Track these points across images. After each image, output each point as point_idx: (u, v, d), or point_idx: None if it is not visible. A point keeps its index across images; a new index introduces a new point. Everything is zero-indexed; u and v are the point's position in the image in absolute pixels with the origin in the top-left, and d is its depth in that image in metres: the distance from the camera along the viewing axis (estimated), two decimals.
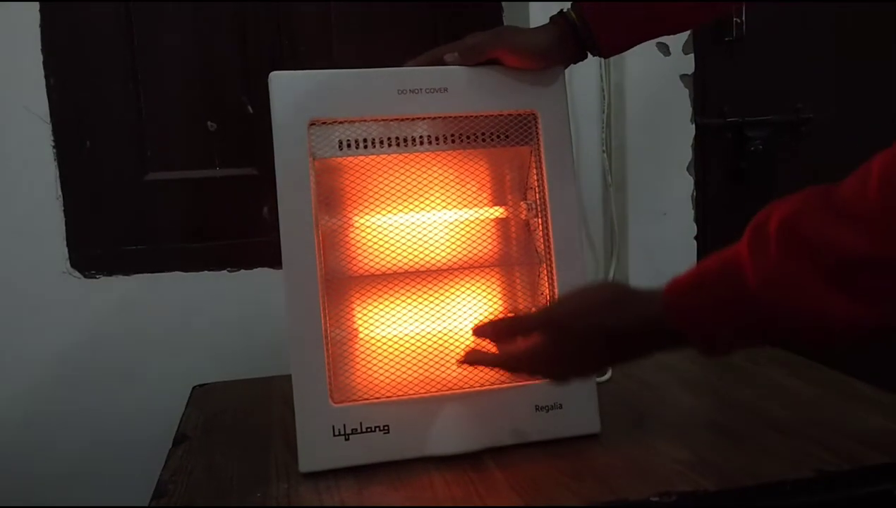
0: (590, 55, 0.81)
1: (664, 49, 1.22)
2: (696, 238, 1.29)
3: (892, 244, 0.48)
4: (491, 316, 0.77)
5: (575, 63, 0.82)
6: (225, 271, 1.21)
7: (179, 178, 1.21)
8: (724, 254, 0.56)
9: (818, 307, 0.51)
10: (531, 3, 1.20)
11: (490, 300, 0.82)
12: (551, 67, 0.81)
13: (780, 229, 0.52)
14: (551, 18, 0.80)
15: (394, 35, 1.28)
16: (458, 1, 1.29)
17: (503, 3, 1.31)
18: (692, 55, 1.25)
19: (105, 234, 1.18)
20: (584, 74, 1.23)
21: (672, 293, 0.59)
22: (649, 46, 1.21)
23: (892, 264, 0.48)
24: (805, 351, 0.64)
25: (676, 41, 1.23)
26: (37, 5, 1.11)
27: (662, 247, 1.26)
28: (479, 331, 0.71)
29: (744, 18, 1.32)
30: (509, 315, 0.72)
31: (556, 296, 0.78)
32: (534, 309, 0.81)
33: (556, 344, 0.65)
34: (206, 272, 1.20)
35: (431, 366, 0.78)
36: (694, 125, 1.27)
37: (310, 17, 1.24)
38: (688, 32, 1.23)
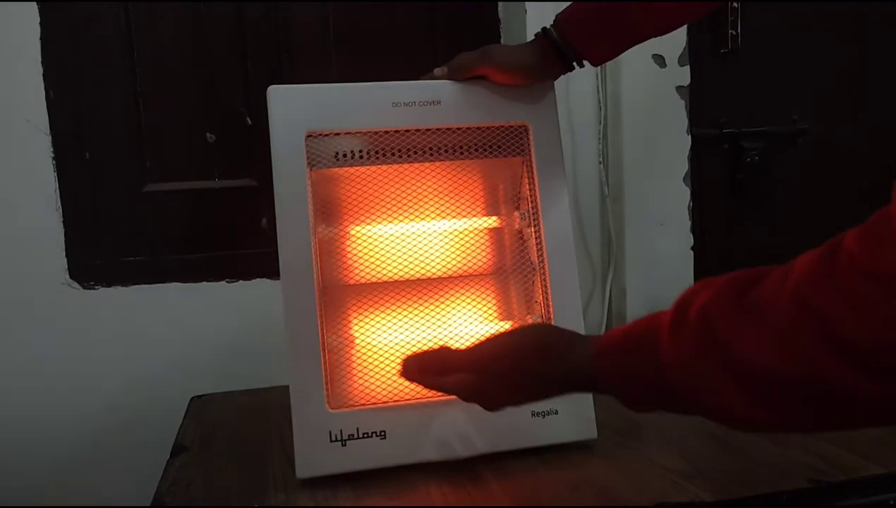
0: (577, 66, 0.81)
1: (660, 61, 1.23)
2: (693, 248, 1.29)
3: (795, 365, 0.46)
4: (430, 346, 0.77)
5: (564, 74, 0.83)
6: (223, 282, 1.21)
7: (178, 189, 1.22)
8: (652, 321, 0.57)
9: (720, 404, 0.51)
10: (528, 3, 1.21)
11: (484, 308, 0.82)
12: (538, 83, 0.82)
13: (698, 317, 0.51)
14: (535, 35, 0.82)
15: (392, 47, 1.29)
16: (455, 1, 1.30)
17: (500, 4, 1.32)
18: (688, 67, 1.25)
19: (104, 245, 1.18)
20: (581, 86, 1.24)
21: (600, 351, 0.60)
22: (645, 58, 1.22)
23: (793, 380, 0.47)
24: None
25: (672, 53, 1.24)
26: (37, 18, 1.12)
27: (659, 257, 1.27)
28: (406, 370, 0.70)
29: (739, 30, 1.33)
30: (438, 347, 0.72)
31: (491, 335, 0.78)
32: (529, 318, 0.82)
33: (482, 384, 0.66)
34: (204, 282, 1.21)
35: None
36: (690, 136, 1.27)
37: (308, 31, 1.25)
38: (684, 44, 1.24)
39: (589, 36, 0.79)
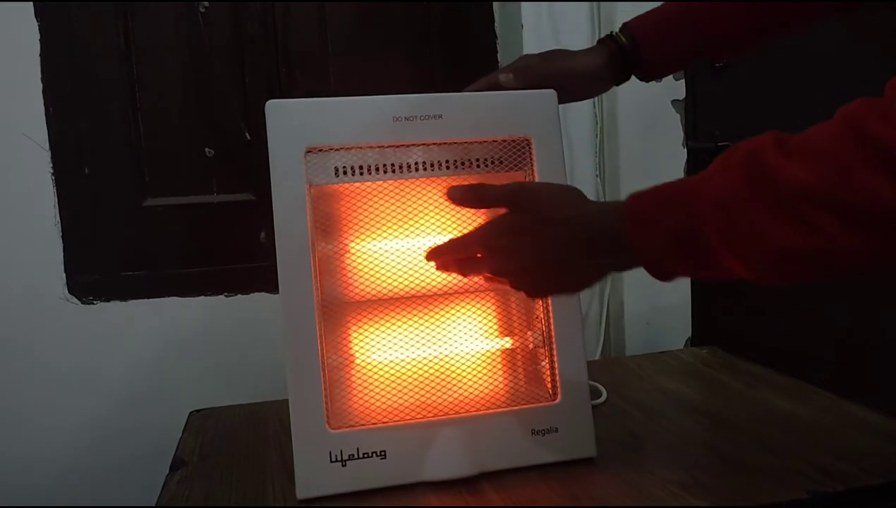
0: (634, 76, 0.84)
1: None
2: None
3: (835, 178, 0.50)
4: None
5: (618, 85, 0.85)
6: (222, 296, 1.22)
7: (177, 204, 1.22)
8: (687, 177, 0.59)
9: (758, 230, 0.53)
10: (523, 4, 1.22)
11: (486, 324, 0.83)
12: (601, 91, 0.85)
13: (744, 158, 0.54)
14: (599, 40, 0.84)
15: (391, 60, 1.30)
16: (450, 1, 1.31)
17: (494, 4, 1.33)
18: (683, 81, 1.26)
19: (103, 260, 1.18)
20: None
21: (634, 197, 0.61)
22: None
23: (834, 199, 0.50)
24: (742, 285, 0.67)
25: None
26: (38, 35, 1.13)
27: None
28: (452, 194, 0.72)
29: None
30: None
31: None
32: (529, 334, 0.82)
33: (520, 220, 0.66)
34: (203, 297, 1.21)
35: (428, 391, 0.78)
36: (686, 149, 1.28)
37: (307, 45, 1.26)
38: None
39: (658, 44, 0.81)
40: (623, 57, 0.82)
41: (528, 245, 0.66)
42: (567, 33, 1.24)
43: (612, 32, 0.83)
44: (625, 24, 0.83)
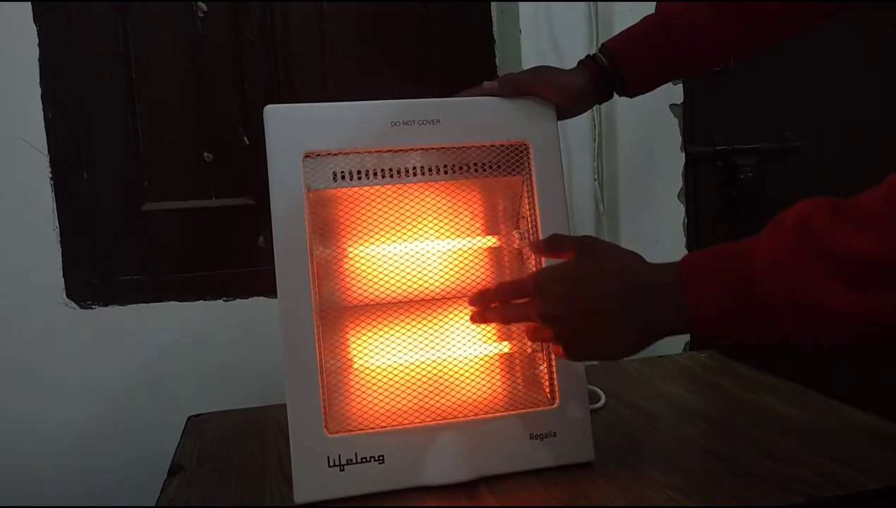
0: (616, 94, 0.85)
1: None
2: None
3: (888, 245, 0.50)
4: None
5: (604, 102, 0.87)
6: (221, 300, 1.22)
7: (176, 208, 1.22)
8: (742, 240, 0.60)
9: (812, 291, 0.53)
10: (521, 4, 1.23)
11: (484, 328, 0.82)
12: (584, 109, 0.86)
13: (794, 221, 0.55)
14: (580, 62, 0.85)
15: (389, 65, 1.30)
16: (448, 1, 1.31)
17: (493, 9, 1.33)
18: (681, 85, 1.27)
19: (101, 264, 1.18)
20: None
21: (689, 259, 0.62)
22: None
23: (889, 262, 0.50)
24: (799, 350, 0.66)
25: None
26: (36, 39, 1.13)
27: None
28: (534, 246, 0.75)
29: None
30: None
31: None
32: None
33: (582, 266, 0.67)
34: (201, 301, 1.21)
35: (426, 395, 0.78)
36: (684, 153, 1.28)
37: (305, 50, 1.26)
38: None
39: (637, 64, 0.82)
40: (604, 77, 0.83)
41: (582, 292, 0.65)
42: (565, 39, 1.24)
43: (591, 54, 0.84)
44: (603, 45, 0.84)
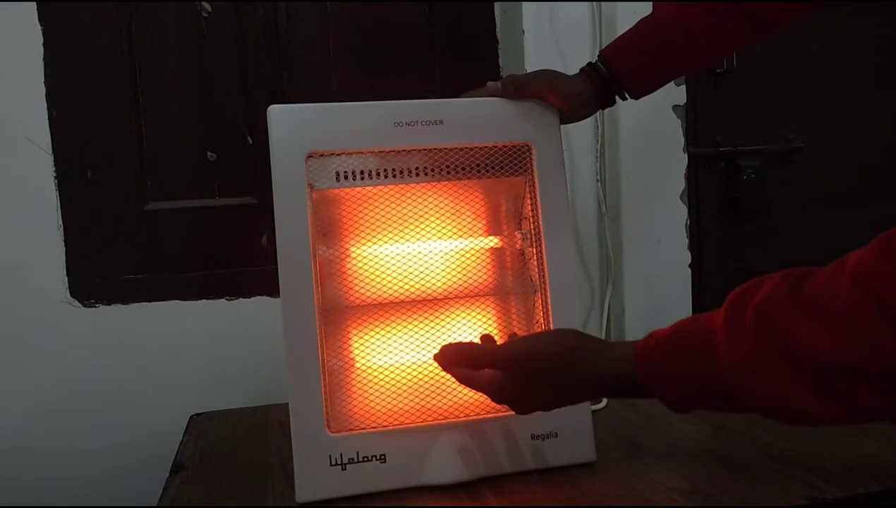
0: (619, 99, 0.86)
1: None
2: (691, 266, 1.30)
3: (856, 348, 0.47)
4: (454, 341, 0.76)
5: (607, 107, 0.88)
6: (224, 299, 1.22)
7: (179, 208, 1.22)
8: (700, 322, 0.57)
9: (782, 397, 0.52)
10: (524, 5, 1.23)
11: (485, 328, 0.83)
12: (586, 116, 0.87)
13: (754, 314, 0.52)
14: (581, 70, 0.85)
15: (392, 66, 1.30)
16: (451, 3, 1.31)
17: (496, 9, 1.33)
18: (684, 86, 1.27)
19: (105, 263, 1.19)
20: None
21: (642, 352, 0.61)
22: None
23: (856, 368, 0.48)
24: None
25: None
26: (41, 39, 1.14)
27: (657, 275, 1.28)
28: (441, 358, 0.72)
29: None
30: (472, 342, 0.74)
31: (527, 333, 0.81)
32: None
33: (512, 386, 0.67)
34: (204, 300, 1.21)
35: (428, 395, 0.78)
36: (687, 155, 1.28)
37: (309, 51, 1.26)
38: None
39: (635, 70, 0.83)
40: (604, 84, 0.84)
41: (533, 393, 0.67)
42: (568, 40, 1.24)
43: (590, 62, 0.85)
44: (601, 53, 0.84)
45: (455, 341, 0.74)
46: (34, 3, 1.13)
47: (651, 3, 0.85)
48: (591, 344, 0.66)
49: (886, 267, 0.46)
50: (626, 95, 0.85)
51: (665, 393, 0.60)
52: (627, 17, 1.20)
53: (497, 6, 1.33)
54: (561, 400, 0.68)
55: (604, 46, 0.88)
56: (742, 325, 0.53)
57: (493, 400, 0.69)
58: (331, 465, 0.74)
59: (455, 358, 0.71)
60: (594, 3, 1.24)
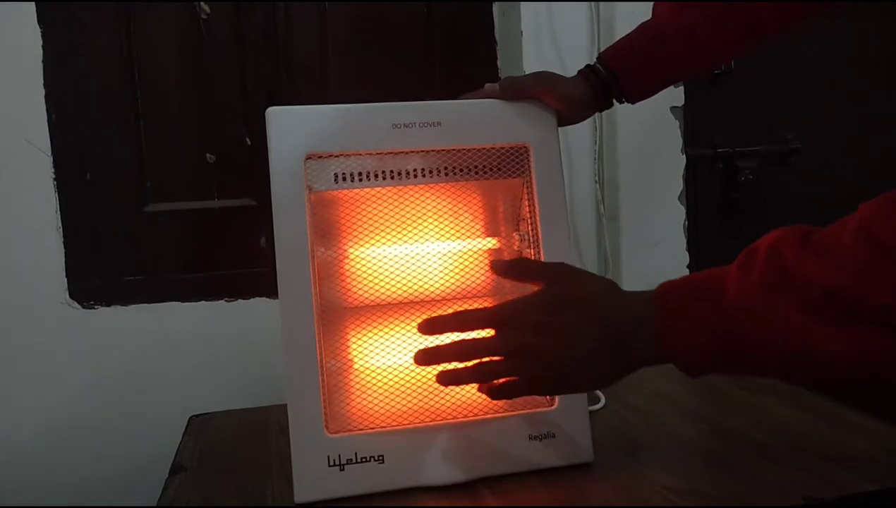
0: (617, 102, 0.86)
1: None
2: (689, 267, 1.30)
3: (862, 281, 0.50)
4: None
5: (605, 110, 0.87)
6: (223, 301, 1.22)
7: (178, 209, 1.23)
8: (715, 269, 0.59)
9: (789, 330, 0.53)
10: (522, 6, 1.23)
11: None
12: (584, 118, 0.86)
13: (765, 254, 0.55)
14: (580, 72, 0.85)
15: (391, 67, 1.31)
16: (451, 1, 1.32)
17: (494, 11, 1.34)
18: (682, 87, 1.27)
19: (104, 265, 1.19)
20: None
21: (660, 292, 0.62)
22: None
23: (862, 299, 0.50)
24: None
25: None
26: (40, 41, 1.14)
27: (656, 276, 1.25)
28: (496, 266, 0.71)
29: None
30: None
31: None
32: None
33: (553, 296, 0.64)
34: (203, 302, 1.21)
35: (426, 396, 0.78)
36: (685, 156, 1.29)
37: (307, 52, 1.27)
38: None
39: (635, 73, 0.83)
40: (604, 88, 0.84)
41: (553, 324, 0.63)
42: (566, 41, 1.24)
43: (589, 64, 0.85)
44: (601, 56, 0.84)
45: (449, 342, 0.71)
46: (33, 5, 1.13)
47: (650, 6, 0.85)
48: (622, 292, 0.66)
49: (888, 218, 0.50)
50: (624, 99, 0.85)
51: (677, 344, 0.59)
52: (626, 19, 1.21)
53: (495, 7, 1.34)
54: (570, 339, 0.63)
55: (602, 48, 0.89)
56: (753, 264, 0.55)
57: (510, 349, 0.65)
58: (329, 466, 0.74)
59: (510, 267, 0.71)
60: (592, 2, 1.24)
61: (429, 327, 0.69)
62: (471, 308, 0.71)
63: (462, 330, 0.68)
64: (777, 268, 0.54)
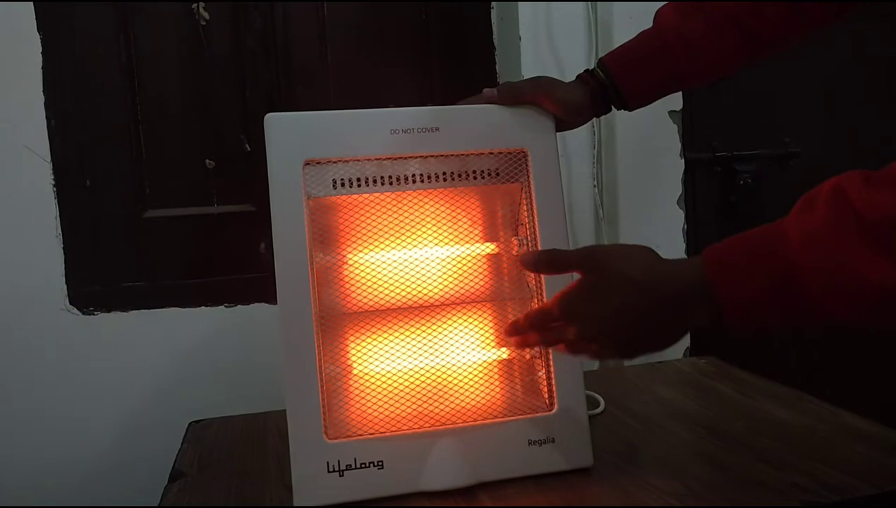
0: (615, 108, 0.85)
1: None
2: None
3: None
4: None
5: (602, 115, 0.87)
6: (222, 306, 1.22)
7: (178, 215, 1.23)
8: (771, 223, 0.58)
9: (855, 265, 0.52)
10: (520, 4, 1.23)
11: (483, 334, 0.83)
12: (581, 123, 0.86)
13: (827, 197, 0.54)
14: (578, 77, 0.85)
15: (390, 73, 1.31)
16: (449, 2, 1.32)
17: (492, 16, 1.34)
18: (680, 91, 1.27)
19: (104, 271, 1.19)
20: None
21: (712, 252, 0.61)
22: None
23: None
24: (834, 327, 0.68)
25: None
26: (40, 48, 1.14)
27: None
28: (525, 260, 0.73)
29: None
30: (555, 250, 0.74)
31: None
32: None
33: (597, 282, 0.65)
34: (203, 307, 1.22)
35: (425, 401, 0.79)
36: (683, 160, 1.29)
37: (306, 58, 1.27)
38: None
39: (635, 80, 0.83)
40: (603, 93, 0.84)
41: (608, 305, 0.64)
42: (564, 46, 1.24)
43: (589, 69, 0.85)
44: (601, 60, 0.84)
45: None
46: (33, 13, 1.14)
47: (649, 11, 0.85)
48: (662, 259, 0.66)
49: None
50: (622, 105, 0.85)
51: (734, 295, 0.58)
52: (624, 24, 1.21)
53: (494, 13, 1.34)
54: (642, 311, 0.64)
55: (600, 53, 0.89)
56: (815, 207, 0.54)
57: (578, 335, 0.67)
58: (328, 472, 0.74)
59: (539, 260, 0.72)
60: (590, 2, 1.24)
61: (511, 331, 0.74)
62: (536, 310, 0.73)
63: (537, 329, 0.71)
64: (843, 206, 0.52)
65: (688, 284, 0.61)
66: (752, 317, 0.59)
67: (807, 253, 0.54)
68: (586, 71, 0.85)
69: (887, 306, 0.53)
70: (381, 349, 0.80)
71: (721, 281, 0.59)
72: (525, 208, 0.82)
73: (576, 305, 0.67)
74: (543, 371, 0.81)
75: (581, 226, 1.28)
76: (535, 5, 1.23)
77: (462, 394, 0.80)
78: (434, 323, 0.81)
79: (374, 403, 0.78)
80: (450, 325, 0.82)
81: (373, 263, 0.81)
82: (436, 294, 0.81)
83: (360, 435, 0.76)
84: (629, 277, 0.64)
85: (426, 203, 0.82)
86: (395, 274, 0.80)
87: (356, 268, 0.81)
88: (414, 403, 0.78)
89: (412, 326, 0.80)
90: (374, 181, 0.79)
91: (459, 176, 0.81)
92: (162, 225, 1.22)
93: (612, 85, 0.83)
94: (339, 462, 0.75)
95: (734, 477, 0.77)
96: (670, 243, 1.29)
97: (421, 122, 0.80)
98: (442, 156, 0.81)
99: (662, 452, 0.85)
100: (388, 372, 0.79)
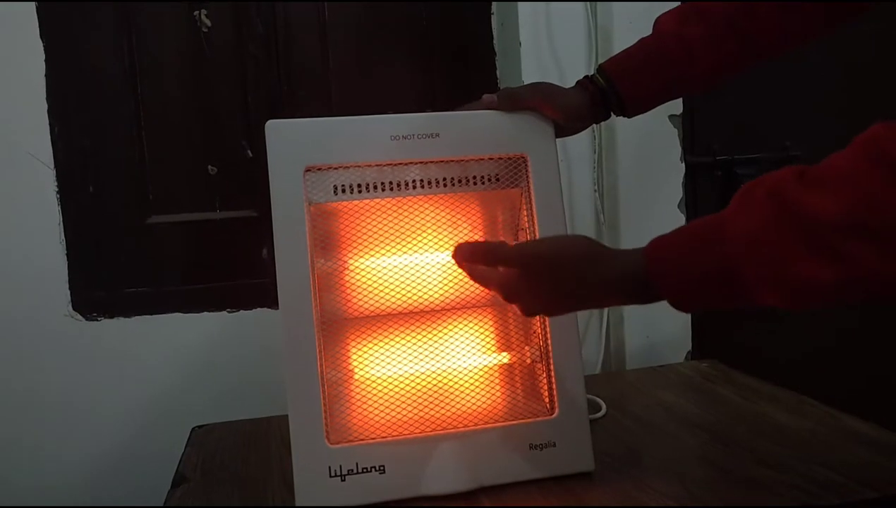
0: (614, 114, 0.85)
1: None
2: None
3: (861, 207, 0.50)
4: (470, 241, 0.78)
5: (601, 122, 0.88)
6: (225, 311, 1.23)
7: (180, 221, 1.23)
8: (709, 216, 0.60)
9: (789, 264, 0.53)
10: (519, 4, 1.24)
11: (483, 339, 0.83)
12: (580, 129, 0.87)
13: (763, 195, 0.55)
14: (578, 82, 0.85)
15: (391, 78, 1.31)
16: (449, 1, 1.33)
17: (493, 3, 1.35)
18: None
19: (107, 277, 1.20)
20: None
21: (653, 247, 0.63)
22: None
23: (860, 227, 0.50)
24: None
25: None
26: (43, 55, 1.15)
27: None
28: (456, 253, 0.74)
29: None
30: (488, 241, 0.77)
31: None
32: (527, 349, 0.83)
33: (527, 284, 0.68)
34: (206, 312, 1.22)
35: (427, 406, 0.79)
36: (684, 164, 1.29)
37: (308, 64, 1.27)
38: None
39: (635, 85, 0.83)
40: (603, 99, 0.84)
41: (545, 293, 0.68)
42: (564, 51, 1.25)
43: (589, 75, 0.85)
44: (601, 67, 0.84)
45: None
46: (36, 20, 1.14)
47: (649, 17, 0.86)
48: (602, 248, 0.67)
49: (891, 130, 0.51)
50: (621, 112, 0.85)
51: (673, 283, 0.60)
52: (624, 29, 1.21)
53: (494, 18, 1.35)
54: (569, 299, 0.68)
55: (600, 59, 0.89)
56: (751, 204, 0.56)
57: (504, 297, 0.70)
58: (330, 476, 0.75)
59: (471, 255, 0.73)
60: (589, 3, 1.25)
61: (458, 253, 0.74)
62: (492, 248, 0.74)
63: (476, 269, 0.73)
64: (777, 205, 0.54)
65: (627, 273, 0.63)
66: (690, 304, 0.61)
67: (749, 255, 0.55)
68: (586, 77, 0.85)
69: (828, 298, 0.55)
70: (382, 354, 0.80)
71: (661, 274, 0.61)
72: (525, 213, 0.83)
73: (514, 294, 0.69)
74: (544, 375, 0.81)
75: (582, 231, 1.29)
76: (536, 9, 1.24)
77: (463, 399, 0.80)
78: (435, 328, 0.81)
79: (376, 408, 0.78)
80: (450, 330, 0.82)
81: (374, 268, 0.81)
82: (436, 299, 0.82)
83: (362, 440, 0.77)
84: (563, 265, 0.67)
85: (427, 208, 0.82)
86: (396, 279, 0.80)
87: (357, 274, 0.81)
88: (415, 407, 0.79)
89: (413, 331, 0.81)
90: (375, 187, 0.80)
91: (460, 181, 0.81)
92: (165, 230, 1.23)
93: (612, 90, 0.83)
94: (340, 466, 0.75)
95: (736, 481, 0.77)
96: None
97: (421, 128, 0.80)
98: (442, 161, 0.81)
99: (664, 455, 0.85)
100: (390, 376, 0.80)
